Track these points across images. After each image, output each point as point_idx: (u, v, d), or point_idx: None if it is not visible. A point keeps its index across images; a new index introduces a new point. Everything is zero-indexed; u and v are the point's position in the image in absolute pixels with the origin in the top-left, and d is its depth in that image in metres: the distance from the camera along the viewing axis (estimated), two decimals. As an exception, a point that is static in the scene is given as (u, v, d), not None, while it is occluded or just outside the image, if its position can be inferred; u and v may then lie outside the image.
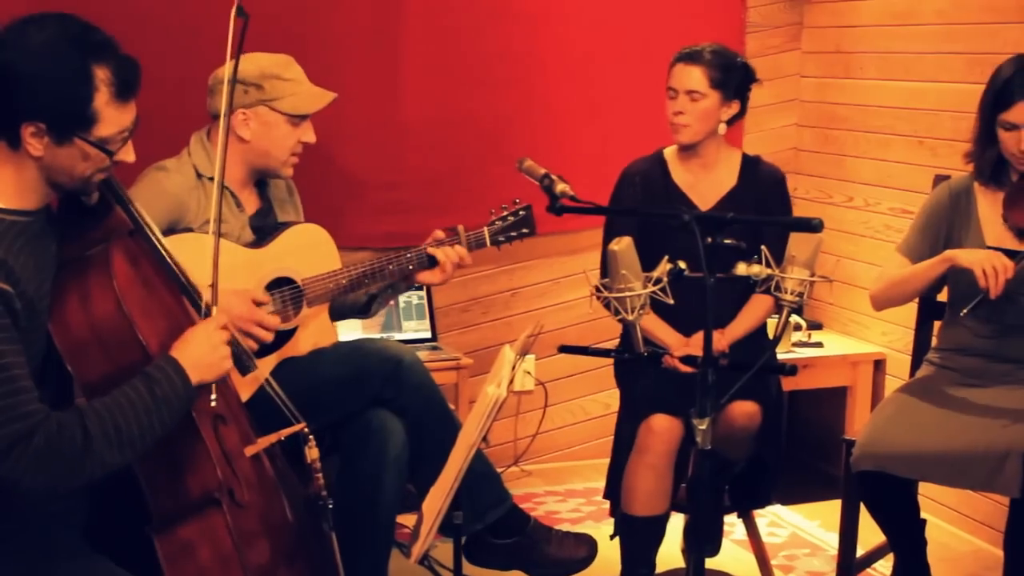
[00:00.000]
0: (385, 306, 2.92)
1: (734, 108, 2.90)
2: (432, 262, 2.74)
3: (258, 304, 2.51)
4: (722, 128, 2.90)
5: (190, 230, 2.59)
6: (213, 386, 1.98)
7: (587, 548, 2.86)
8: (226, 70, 2.10)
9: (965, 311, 2.61)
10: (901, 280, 2.73)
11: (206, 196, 2.64)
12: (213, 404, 2.00)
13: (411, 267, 2.74)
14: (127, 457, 1.86)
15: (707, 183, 2.95)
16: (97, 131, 1.85)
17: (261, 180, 2.78)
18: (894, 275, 2.74)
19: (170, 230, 2.54)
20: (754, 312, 2.93)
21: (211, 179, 2.65)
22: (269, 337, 2.49)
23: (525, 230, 2.86)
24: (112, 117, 1.85)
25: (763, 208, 2.89)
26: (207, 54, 2.73)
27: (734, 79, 2.87)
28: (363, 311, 2.87)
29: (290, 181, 2.87)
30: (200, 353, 1.94)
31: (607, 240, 2.89)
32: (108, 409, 1.84)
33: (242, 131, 2.64)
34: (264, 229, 2.73)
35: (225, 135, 2.14)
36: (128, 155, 1.94)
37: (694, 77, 2.84)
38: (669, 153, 3.00)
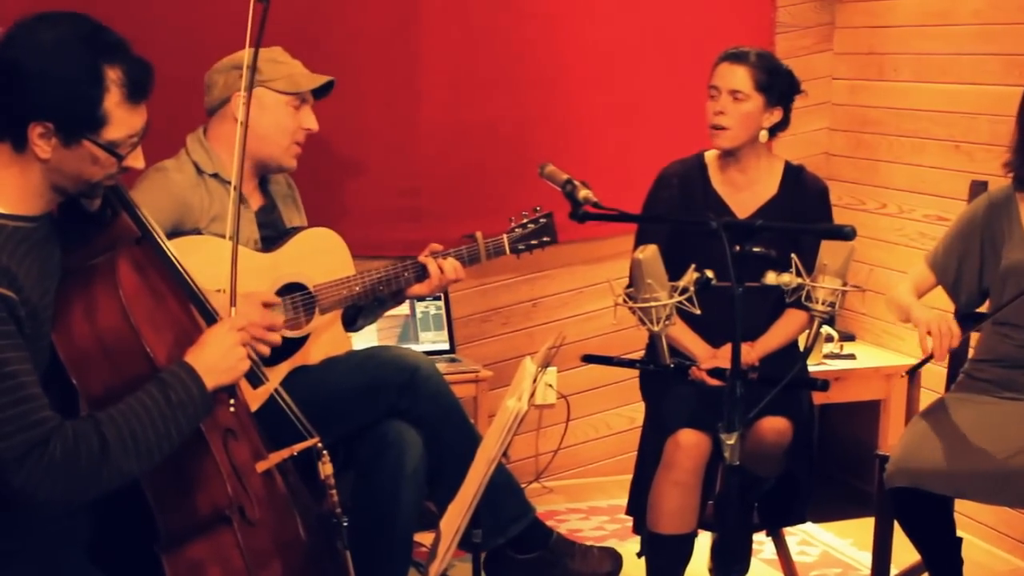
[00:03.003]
0: (375, 320, 2.86)
1: (776, 115, 2.84)
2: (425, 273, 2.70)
3: (267, 306, 2.46)
4: (763, 135, 2.85)
5: (198, 230, 2.56)
6: (235, 388, 1.96)
7: (612, 562, 2.86)
8: (245, 57, 2.10)
9: (905, 373, 2.79)
10: (895, 306, 2.77)
11: (208, 193, 2.61)
12: (232, 410, 1.97)
13: (412, 275, 2.68)
14: (143, 465, 1.84)
15: (747, 191, 2.89)
16: (107, 133, 1.83)
17: (263, 177, 2.73)
18: (898, 295, 2.76)
19: (175, 230, 2.50)
20: (787, 327, 2.86)
21: (212, 175, 2.62)
22: (277, 339, 2.42)
23: (546, 238, 2.83)
24: (122, 119, 1.83)
25: (803, 221, 2.83)
26: (206, 55, 2.72)
27: (778, 85, 2.81)
28: (348, 324, 2.79)
29: (290, 177, 2.82)
30: (214, 357, 1.92)
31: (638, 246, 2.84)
32: (124, 416, 1.81)
33: (238, 113, 2.59)
34: (269, 226, 2.69)
35: (244, 124, 2.14)
36: (137, 161, 1.92)
37: (738, 76, 2.78)
38: (710, 157, 2.94)
